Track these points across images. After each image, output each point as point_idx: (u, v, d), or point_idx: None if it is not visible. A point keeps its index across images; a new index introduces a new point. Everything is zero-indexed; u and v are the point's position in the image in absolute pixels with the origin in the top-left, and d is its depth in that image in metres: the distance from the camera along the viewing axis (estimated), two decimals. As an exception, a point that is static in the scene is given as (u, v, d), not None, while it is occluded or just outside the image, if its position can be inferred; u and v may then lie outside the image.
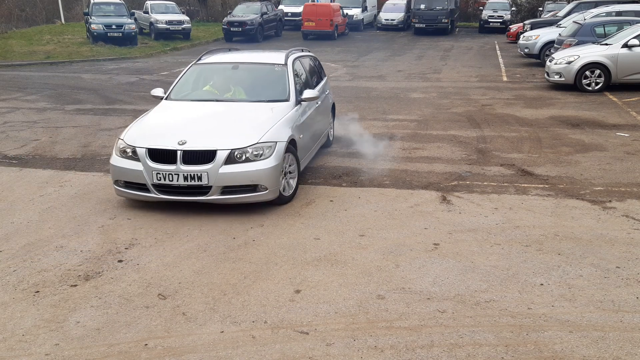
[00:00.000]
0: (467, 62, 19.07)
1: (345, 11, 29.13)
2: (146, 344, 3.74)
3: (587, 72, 12.54)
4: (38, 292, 4.42)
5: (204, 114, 6.51)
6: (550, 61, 13.28)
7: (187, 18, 26.86)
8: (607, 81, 12.46)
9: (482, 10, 31.71)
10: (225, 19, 26.61)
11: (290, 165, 6.18)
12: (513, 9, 32.16)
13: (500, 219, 5.74)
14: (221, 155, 5.59)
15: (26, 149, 8.65)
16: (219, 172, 5.57)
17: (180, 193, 5.75)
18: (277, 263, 4.86)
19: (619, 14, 16.43)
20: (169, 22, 25.73)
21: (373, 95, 12.96)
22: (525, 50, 17.86)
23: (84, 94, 13.47)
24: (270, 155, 5.74)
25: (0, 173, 7.46)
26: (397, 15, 31.26)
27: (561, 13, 21.50)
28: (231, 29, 25.76)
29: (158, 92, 7.14)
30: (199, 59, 7.58)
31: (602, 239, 5.25)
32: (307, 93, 6.91)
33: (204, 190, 5.67)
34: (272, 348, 3.68)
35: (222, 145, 5.65)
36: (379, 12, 33.07)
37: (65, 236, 5.45)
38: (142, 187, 5.82)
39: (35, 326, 3.96)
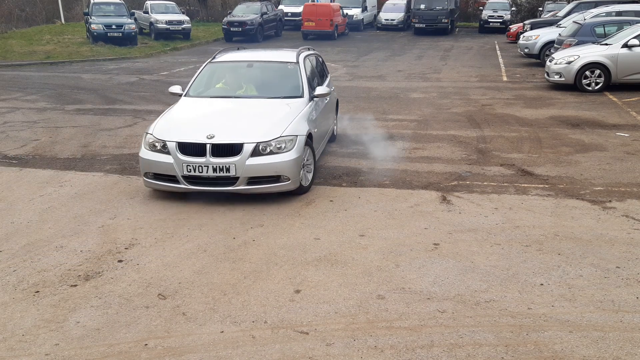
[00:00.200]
0: (467, 62, 19.07)
1: (345, 11, 29.13)
2: (146, 344, 3.74)
3: (587, 72, 12.54)
4: (38, 292, 4.42)
5: (226, 109, 6.85)
6: (550, 61, 13.28)
7: (187, 18, 26.86)
8: (607, 81, 12.46)
9: (482, 10, 31.70)
10: (225, 19, 26.61)
11: (307, 159, 6.49)
12: (513, 9, 32.16)
13: (500, 219, 5.74)
14: (248, 148, 5.93)
15: (26, 149, 8.65)
16: (245, 164, 5.91)
17: (209, 184, 6.06)
18: (277, 263, 4.86)
19: (619, 14, 16.43)
20: (169, 22, 25.73)
21: (373, 95, 12.96)
22: (525, 50, 17.85)
23: (84, 94, 13.47)
24: (292, 148, 6.10)
25: (0, 173, 7.46)
26: (397, 15, 31.26)
27: (561, 13, 21.50)
28: (231, 29, 25.76)
29: (176, 89, 7.46)
30: (214, 58, 7.89)
31: (602, 239, 5.25)
32: (320, 90, 7.28)
33: (232, 180, 5.99)
34: (272, 348, 3.68)
35: (248, 139, 5.99)
36: (379, 12, 33.07)
37: (65, 236, 5.45)
38: (172, 178, 6.12)
39: (35, 326, 3.96)
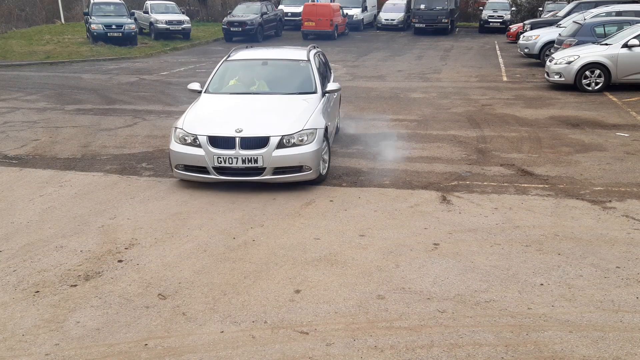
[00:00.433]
0: (467, 62, 19.07)
1: (345, 11, 29.11)
2: (146, 344, 3.74)
3: (587, 72, 12.54)
4: (38, 292, 4.42)
5: (248, 105, 7.26)
6: (550, 61, 13.28)
7: (187, 18, 26.85)
8: (607, 81, 12.46)
9: (482, 10, 31.69)
10: (225, 19, 26.60)
11: (324, 151, 6.91)
12: (513, 9, 32.14)
13: (500, 219, 5.74)
14: (274, 141, 6.38)
15: (26, 149, 8.65)
16: (272, 155, 6.36)
17: (238, 174, 6.48)
18: (277, 263, 4.86)
19: (619, 14, 16.42)
20: (169, 22, 25.72)
21: (373, 95, 12.96)
22: (525, 50, 17.85)
23: (84, 94, 13.47)
24: (313, 140, 6.56)
25: (0, 173, 7.46)
26: (397, 15, 31.24)
27: (561, 13, 21.49)
28: (231, 29, 25.75)
29: (195, 86, 7.79)
30: (229, 56, 8.30)
31: (602, 239, 5.25)
32: (331, 85, 7.84)
33: (259, 171, 6.42)
34: (272, 348, 3.68)
35: (274, 132, 6.43)
36: (379, 12, 33.05)
37: (65, 236, 5.45)
38: (202, 169, 6.51)
39: (35, 326, 3.96)
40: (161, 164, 7.79)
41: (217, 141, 6.42)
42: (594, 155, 7.92)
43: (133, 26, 23.44)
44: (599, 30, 14.37)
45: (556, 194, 6.46)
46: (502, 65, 17.95)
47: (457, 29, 32.30)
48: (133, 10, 26.86)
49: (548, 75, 13.23)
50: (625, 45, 12.24)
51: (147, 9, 26.31)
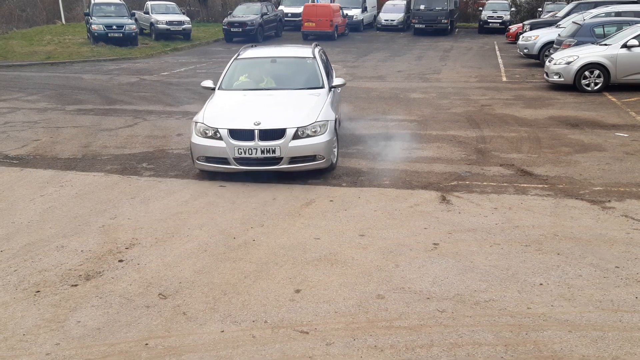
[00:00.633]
0: (466, 62, 19.08)
1: (345, 12, 29.11)
2: (147, 344, 3.75)
3: (587, 73, 12.54)
4: (39, 291, 4.43)
5: (262, 100, 7.63)
6: (549, 61, 13.29)
7: (187, 18, 26.85)
8: (606, 81, 12.47)
9: (481, 10, 31.68)
10: (226, 20, 26.60)
11: (334, 142, 7.33)
12: (512, 9, 32.15)
13: (500, 219, 5.75)
14: (290, 133, 6.78)
15: (27, 149, 8.66)
16: (288, 145, 6.75)
17: (257, 164, 6.83)
18: (277, 263, 4.87)
19: (618, 14, 16.42)
20: (170, 23, 25.72)
21: (373, 96, 12.97)
22: (525, 50, 17.85)
23: (84, 95, 13.48)
24: (325, 131, 6.99)
25: (1, 173, 7.48)
26: (397, 16, 31.25)
27: (560, 13, 21.50)
28: (231, 29, 25.75)
29: (208, 83, 8.23)
30: (239, 55, 8.71)
31: (602, 238, 5.26)
32: (337, 80, 8.32)
33: (277, 160, 6.80)
34: (272, 348, 3.69)
35: (290, 124, 6.83)
36: (378, 12, 33.06)
37: (66, 236, 5.47)
38: (223, 160, 6.85)
39: (36, 326, 3.97)
40: (161, 164, 7.80)
41: (237, 133, 6.79)
42: (594, 155, 7.93)
43: (133, 27, 23.44)
44: (599, 30, 14.38)
45: (555, 194, 6.47)
46: (501, 66, 17.96)
47: (456, 30, 32.30)
48: (133, 11, 26.86)
49: (547, 75, 13.24)
50: (625, 46, 12.25)
51: (147, 10, 26.32)
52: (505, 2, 31.45)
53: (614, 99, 11.85)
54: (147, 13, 26.25)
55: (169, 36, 25.74)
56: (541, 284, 4.44)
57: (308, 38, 26.56)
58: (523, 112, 10.86)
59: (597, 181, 6.85)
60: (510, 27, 26.44)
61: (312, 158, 6.90)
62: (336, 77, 9.07)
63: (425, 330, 3.86)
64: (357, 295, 4.32)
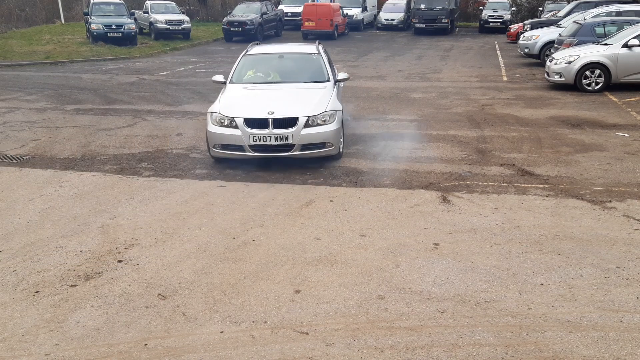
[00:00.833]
0: (467, 62, 19.07)
1: (345, 11, 29.08)
2: (146, 344, 3.74)
3: (587, 72, 12.52)
4: (38, 292, 4.42)
5: (272, 92, 8.06)
6: (550, 61, 13.27)
7: (187, 18, 26.83)
8: (607, 81, 12.45)
9: (482, 10, 31.66)
10: (225, 19, 26.58)
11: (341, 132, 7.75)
12: (513, 9, 32.11)
13: (500, 219, 5.74)
14: (301, 121, 7.20)
15: (26, 149, 8.65)
16: (300, 133, 7.17)
17: (271, 150, 7.26)
18: (277, 263, 4.85)
19: (619, 14, 16.41)
20: (169, 22, 25.70)
21: (373, 95, 12.96)
22: (525, 50, 17.84)
23: (83, 94, 13.47)
24: (334, 121, 7.44)
25: (0, 173, 7.46)
26: (397, 15, 31.22)
27: (561, 13, 21.48)
28: (231, 28, 25.73)
29: (219, 77, 8.60)
30: (247, 51, 9.12)
31: (602, 239, 5.25)
32: (341, 75, 8.76)
33: (289, 147, 7.22)
34: (272, 348, 3.68)
35: (301, 113, 7.26)
36: (379, 12, 33.03)
37: (65, 236, 5.45)
38: (239, 147, 7.25)
39: (35, 326, 3.96)
40: (161, 164, 7.79)
41: (252, 122, 7.20)
42: (594, 155, 7.92)
43: (133, 26, 23.42)
44: (599, 30, 14.36)
45: (556, 194, 6.45)
46: (502, 65, 17.95)
47: (457, 29, 32.29)
48: (133, 10, 26.84)
49: (548, 75, 13.23)
50: (626, 45, 12.23)
51: (147, 9, 26.29)
52: (506, 1, 31.42)
53: (614, 99, 11.84)
54: (147, 12, 26.23)
55: (168, 36, 25.72)
56: (542, 285, 4.43)
57: (308, 37, 26.53)
58: (524, 112, 10.84)
59: (598, 181, 6.83)
60: (510, 26, 26.43)
61: (322, 145, 7.33)
62: (336, 71, 9.40)
63: (425, 330, 3.85)
64: (357, 296, 4.30)
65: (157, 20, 25.54)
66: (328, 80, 8.41)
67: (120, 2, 24.48)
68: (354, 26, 30.22)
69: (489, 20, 30.21)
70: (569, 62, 12.63)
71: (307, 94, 7.93)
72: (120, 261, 4.93)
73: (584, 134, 9.08)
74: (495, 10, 30.57)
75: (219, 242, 5.29)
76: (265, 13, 26.76)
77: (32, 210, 6.14)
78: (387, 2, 32.71)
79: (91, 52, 21.52)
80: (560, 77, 12.82)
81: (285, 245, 5.21)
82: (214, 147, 7.44)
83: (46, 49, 22.12)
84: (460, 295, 4.28)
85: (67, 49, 22.16)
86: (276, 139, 7.15)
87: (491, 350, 3.62)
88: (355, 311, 4.10)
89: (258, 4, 27.29)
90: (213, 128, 7.37)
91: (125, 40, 23.01)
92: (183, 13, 27.50)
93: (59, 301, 4.28)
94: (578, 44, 13.79)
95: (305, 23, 26.44)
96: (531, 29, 20.38)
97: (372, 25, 32.80)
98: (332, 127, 7.38)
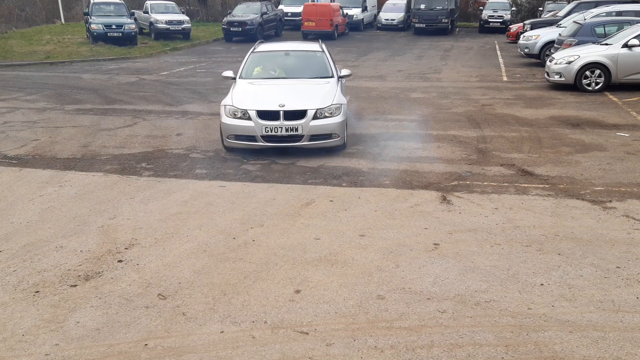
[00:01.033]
0: (467, 62, 19.07)
1: (345, 11, 29.07)
2: (146, 344, 3.74)
3: (587, 72, 12.52)
4: (38, 292, 4.42)
5: (281, 86, 8.51)
6: (550, 61, 13.27)
7: (187, 18, 26.82)
8: (607, 81, 12.45)
9: (482, 10, 31.66)
10: (225, 19, 26.58)
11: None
12: (513, 9, 32.11)
13: (501, 219, 5.73)
14: (310, 113, 7.68)
15: (26, 149, 8.65)
16: (309, 124, 7.66)
17: (281, 141, 7.75)
18: (277, 263, 4.85)
19: (619, 14, 16.41)
20: (169, 22, 25.69)
21: (373, 95, 12.96)
22: (525, 50, 17.84)
23: (83, 94, 13.47)
24: (339, 113, 7.91)
25: (0, 173, 7.46)
26: (397, 15, 31.22)
27: (561, 13, 21.48)
28: (231, 28, 25.73)
29: (229, 73, 9.10)
30: (255, 49, 9.54)
31: (602, 239, 5.24)
32: (344, 71, 9.15)
33: (298, 138, 7.70)
34: (272, 348, 3.67)
35: (310, 106, 7.75)
36: (379, 12, 33.02)
37: (65, 236, 5.45)
38: (251, 138, 7.72)
39: (35, 326, 3.96)
40: (161, 164, 7.79)
41: (264, 114, 7.66)
42: (594, 155, 7.92)
43: (133, 26, 23.42)
44: (599, 30, 14.36)
45: (556, 194, 6.45)
46: (502, 65, 17.95)
47: (457, 29, 32.29)
48: (133, 10, 26.83)
49: (548, 75, 13.23)
50: (626, 45, 12.23)
51: (147, 9, 26.29)
52: (506, 1, 31.41)
53: (614, 99, 11.84)
54: (147, 12, 26.22)
55: (168, 36, 25.72)
56: (542, 285, 4.43)
57: (308, 37, 26.48)
58: (524, 112, 10.84)
59: (598, 181, 6.83)
60: (510, 26, 26.43)
61: (329, 136, 7.81)
62: (337, 68, 9.75)
63: (425, 330, 3.84)
64: (357, 296, 4.30)
65: (157, 20, 25.53)
66: (332, 76, 8.80)
67: (120, 2, 24.47)
68: (354, 26, 30.22)
69: (489, 20, 30.21)
70: (569, 62, 12.63)
71: (313, 88, 8.35)
72: (120, 261, 4.93)
73: (584, 134, 9.08)
74: (495, 10, 30.57)
75: (219, 242, 5.29)
76: (265, 13, 26.76)
77: (32, 210, 6.14)
78: (387, 2, 32.70)
79: (91, 52, 21.52)
80: (560, 77, 12.82)
81: (285, 245, 5.21)
82: (227, 138, 7.87)
83: (46, 49, 22.12)
84: (460, 295, 4.28)
85: (67, 49, 22.16)
86: (287, 130, 7.61)
87: (491, 350, 3.62)
88: (355, 311, 4.09)
89: (258, 4, 27.29)
90: (227, 120, 7.81)
91: (125, 40, 23.01)
92: (183, 13, 27.50)
93: (59, 301, 4.28)
94: (578, 44, 13.79)
95: (305, 23, 26.43)
96: (531, 29, 20.38)
97: (372, 25, 32.79)
98: (338, 119, 7.82)
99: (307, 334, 3.83)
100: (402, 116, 10.72)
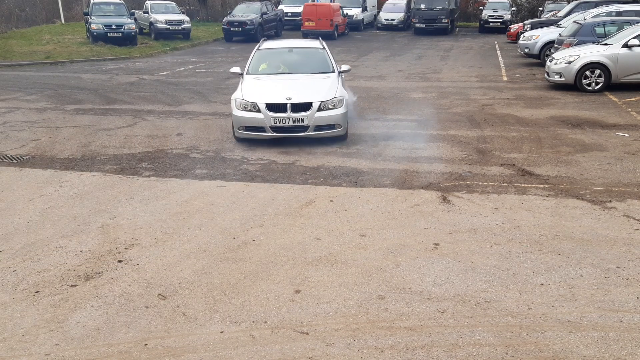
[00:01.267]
0: (467, 62, 19.07)
1: (345, 11, 29.09)
2: (146, 344, 3.74)
3: (587, 72, 12.52)
4: (38, 292, 4.42)
5: (286, 81, 9.05)
6: (550, 61, 13.27)
7: (187, 18, 26.83)
8: (607, 81, 12.45)
9: (482, 10, 31.67)
10: (225, 19, 26.59)
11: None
12: (513, 9, 32.12)
13: (501, 219, 5.73)
14: (315, 105, 8.27)
15: (26, 149, 8.65)
16: (314, 116, 8.25)
17: (289, 131, 8.33)
18: (277, 263, 4.85)
19: (619, 13, 16.41)
20: (169, 22, 25.70)
21: (373, 95, 12.96)
22: (526, 50, 17.84)
23: (83, 94, 13.47)
24: (342, 105, 8.49)
25: (0, 173, 7.46)
26: (397, 15, 31.23)
27: (561, 13, 21.48)
28: (231, 28, 25.74)
29: (236, 69, 9.58)
30: (260, 46, 10.12)
31: (602, 239, 5.24)
32: (344, 67, 9.67)
33: (304, 128, 8.31)
34: (272, 348, 3.67)
35: (315, 99, 8.33)
36: (379, 12, 33.04)
37: (65, 236, 5.45)
38: (261, 129, 8.33)
39: (35, 326, 3.96)
40: (161, 164, 7.79)
41: (273, 106, 8.25)
42: (595, 155, 7.92)
43: (133, 26, 23.42)
44: (599, 30, 14.36)
45: (556, 194, 6.45)
46: (502, 65, 17.95)
47: (457, 29, 32.30)
48: (133, 10, 26.84)
49: (548, 75, 13.23)
50: (626, 45, 12.23)
51: (147, 9, 26.29)
52: (506, 1, 31.42)
53: (614, 99, 11.84)
54: (147, 12, 26.22)
55: (168, 36, 25.72)
56: (542, 285, 4.43)
57: (308, 37, 26.52)
58: (524, 112, 10.84)
59: (598, 181, 6.83)
60: (510, 26, 26.43)
61: (332, 127, 8.39)
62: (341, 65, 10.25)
63: (425, 330, 3.84)
64: (357, 296, 4.30)
65: (157, 20, 25.54)
66: (333, 71, 9.33)
67: (120, 2, 24.47)
68: (354, 26, 30.23)
69: (489, 20, 30.22)
70: (569, 62, 12.63)
71: (317, 82, 8.89)
72: (120, 261, 4.93)
73: (584, 134, 9.08)
74: (495, 10, 30.58)
75: (219, 242, 5.29)
76: (265, 13, 26.77)
77: (32, 210, 6.14)
78: (387, 2, 32.72)
79: (91, 52, 21.52)
80: (561, 77, 12.82)
81: (285, 245, 5.21)
82: (238, 129, 8.46)
83: (46, 49, 22.11)
84: (460, 295, 4.28)
85: (67, 49, 22.16)
86: (294, 121, 8.23)
87: (491, 350, 3.62)
88: (355, 311, 4.09)
89: (258, 4, 27.29)
90: (238, 112, 8.39)
91: (125, 40, 23.01)
92: (183, 13, 27.50)
93: (59, 301, 4.28)
94: (578, 44, 13.79)
95: (305, 23, 26.44)
96: (531, 29, 20.38)
97: (372, 25, 32.81)
98: (340, 110, 8.41)
99: (307, 334, 3.83)
100: (402, 116, 10.72)
